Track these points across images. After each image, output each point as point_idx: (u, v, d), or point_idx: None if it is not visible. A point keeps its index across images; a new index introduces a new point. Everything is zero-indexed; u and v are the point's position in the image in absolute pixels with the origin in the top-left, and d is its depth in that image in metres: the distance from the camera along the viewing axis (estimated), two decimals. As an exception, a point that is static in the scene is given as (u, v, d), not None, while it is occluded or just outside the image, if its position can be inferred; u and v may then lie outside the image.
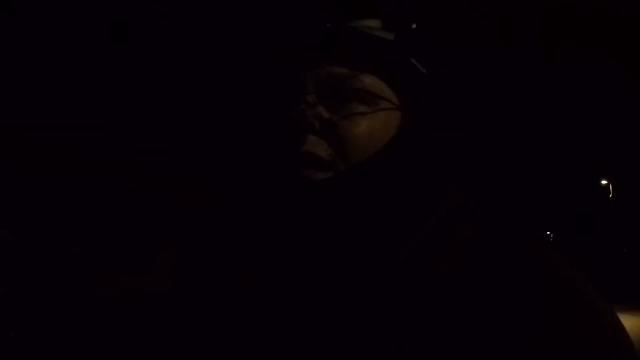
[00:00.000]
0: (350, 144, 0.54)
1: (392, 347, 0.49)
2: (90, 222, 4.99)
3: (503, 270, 0.49)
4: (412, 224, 0.56)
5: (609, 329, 0.46)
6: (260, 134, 0.61)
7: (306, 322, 0.56)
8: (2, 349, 2.33)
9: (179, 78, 5.27)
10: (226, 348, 0.63)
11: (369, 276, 0.54)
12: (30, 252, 2.75)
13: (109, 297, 3.68)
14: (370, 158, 0.54)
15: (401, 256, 0.55)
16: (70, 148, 5.19)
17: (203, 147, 6.57)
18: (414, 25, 0.59)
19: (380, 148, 0.55)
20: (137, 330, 3.63)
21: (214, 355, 0.66)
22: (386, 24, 0.59)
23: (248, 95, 0.65)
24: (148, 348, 3.47)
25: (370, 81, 0.56)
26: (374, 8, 0.59)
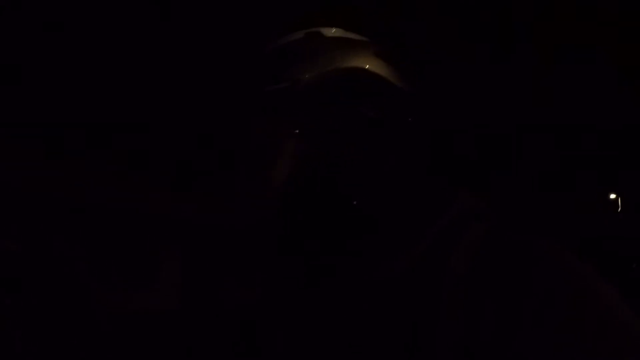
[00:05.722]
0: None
1: (406, 342, 0.49)
2: (97, 236, 5.02)
3: (516, 269, 0.49)
4: (423, 222, 0.57)
5: (623, 327, 0.46)
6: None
7: (321, 318, 0.56)
8: (8, 362, 2.31)
9: (189, 95, 5.33)
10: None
11: (382, 272, 0.55)
12: (37, 264, 2.75)
13: (115, 312, 3.67)
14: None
15: (414, 253, 0.55)
16: (76, 160, 5.23)
17: (211, 162, 6.63)
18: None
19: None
20: (142, 345, 3.62)
21: None
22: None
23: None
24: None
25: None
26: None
